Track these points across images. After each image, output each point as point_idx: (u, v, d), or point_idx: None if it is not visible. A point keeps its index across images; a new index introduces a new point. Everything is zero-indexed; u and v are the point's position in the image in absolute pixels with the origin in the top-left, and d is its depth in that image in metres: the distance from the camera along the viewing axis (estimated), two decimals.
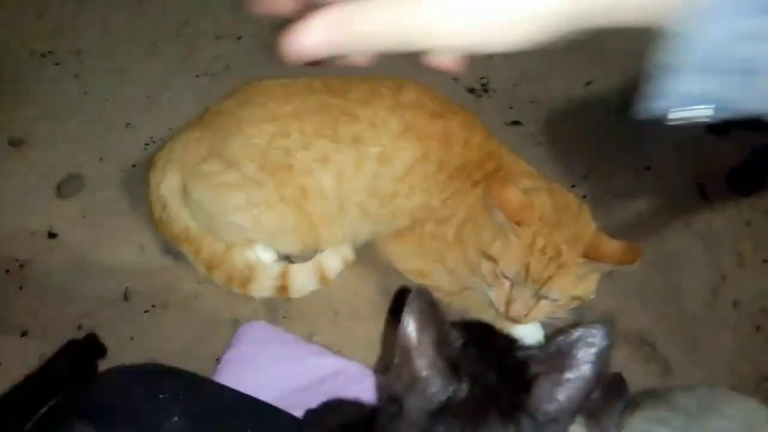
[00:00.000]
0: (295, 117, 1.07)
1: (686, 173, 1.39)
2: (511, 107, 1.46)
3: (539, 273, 0.95)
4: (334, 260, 1.17)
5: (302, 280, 1.15)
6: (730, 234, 1.32)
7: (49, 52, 1.44)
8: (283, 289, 1.14)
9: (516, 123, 1.44)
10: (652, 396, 1.00)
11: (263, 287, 1.13)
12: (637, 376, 1.15)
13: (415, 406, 0.58)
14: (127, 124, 1.34)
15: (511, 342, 0.64)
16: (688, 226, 1.33)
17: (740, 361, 1.20)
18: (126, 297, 1.14)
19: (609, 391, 0.87)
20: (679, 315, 1.23)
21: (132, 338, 1.10)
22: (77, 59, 1.43)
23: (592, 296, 1.01)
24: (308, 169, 1.06)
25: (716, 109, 0.33)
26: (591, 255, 0.95)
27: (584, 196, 1.34)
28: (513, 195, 0.95)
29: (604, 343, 0.56)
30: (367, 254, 1.19)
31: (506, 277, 0.99)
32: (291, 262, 1.18)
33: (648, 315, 1.22)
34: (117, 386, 0.71)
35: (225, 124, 1.09)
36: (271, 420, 0.80)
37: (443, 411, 0.57)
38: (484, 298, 1.08)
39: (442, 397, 0.57)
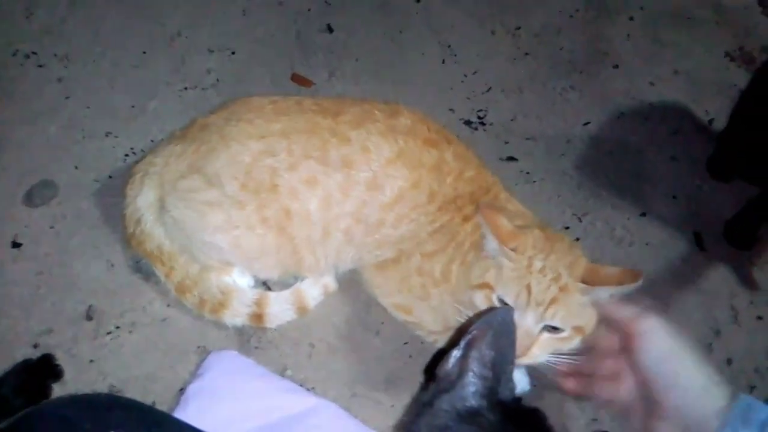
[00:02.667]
0: (283, 136, 1.02)
1: (683, 221, 1.35)
2: (506, 142, 1.42)
3: (542, 294, 0.89)
4: (314, 289, 1.12)
5: (279, 308, 1.09)
6: (726, 287, 1.28)
7: (33, 53, 1.39)
8: (257, 317, 1.08)
9: (511, 159, 1.41)
10: None
11: (237, 314, 1.07)
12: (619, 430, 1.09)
13: (444, 405, 0.61)
14: (108, 133, 1.28)
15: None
16: (682, 277, 1.30)
17: None
18: (89, 316, 1.07)
19: None
20: None
21: (91, 361, 1.03)
22: (62, 63, 1.38)
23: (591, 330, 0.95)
24: (294, 191, 1.01)
25: None
26: (590, 280, 0.90)
27: (577, 239, 1.30)
28: (503, 222, 0.91)
29: None
30: (349, 284, 1.13)
31: (505, 304, 0.93)
32: (268, 288, 1.12)
33: None
34: (62, 418, 0.64)
35: (209, 139, 1.04)
36: None
37: (469, 418, 0.55)
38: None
39: (473, 405, 0.60)
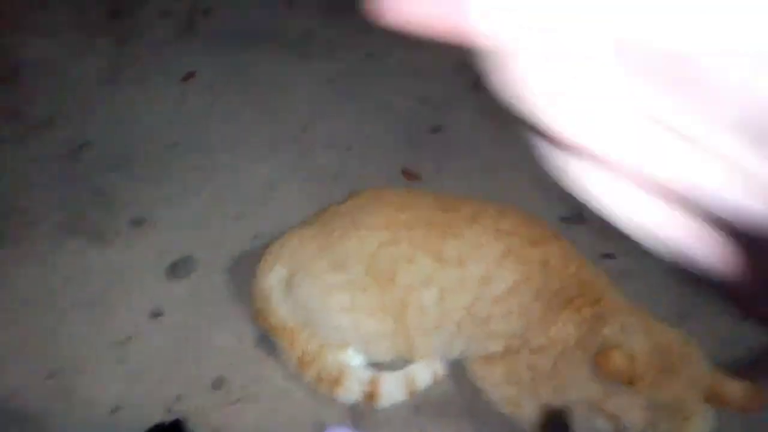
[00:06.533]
0: (406, 227, 1.11)
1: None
2: (605, 239, 1.45)
3: (666, 429, 0.92)
4: (424, 373, 1.16)
5: (391, 388, 1.14)
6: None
7: (176, 143, 1.57)
8: (370, 395, 1.13)
9: (608, 256, 1.43)
10: None
11: (352, 391, 1.13)
12: None
13: None
14: (242, 216, 1.42)
15: None
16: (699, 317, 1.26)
17: None
18: (217, 385, 1.16)
19: None
20: None
21: (217, 429, 1.10)
22: (201, 152, 1.55)
23: None
24: (411, 286, 1.09)
25: None
26: (714, 400, 0.92)
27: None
28: (619, 362, 0.93)
29: None
30: (457, 371, 1.17)
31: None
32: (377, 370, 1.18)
33: None
34: None
35: (340, 225, 1.15)
36: None
37: None
38: None
39: None
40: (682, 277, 1.38)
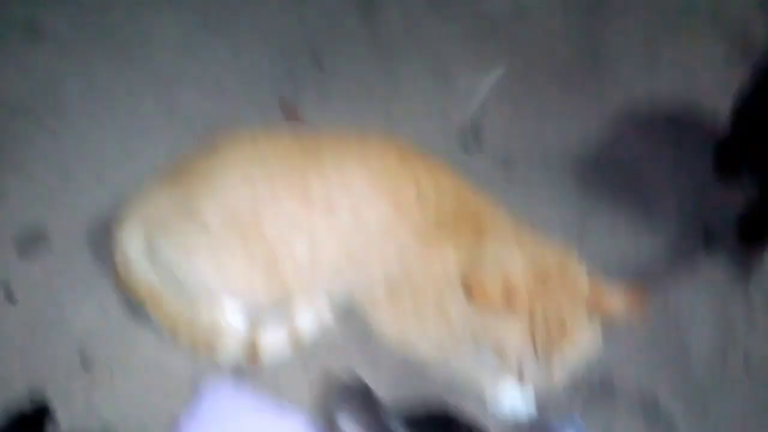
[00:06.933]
0: (266, 172, 1.02)
1: (691, 221, 1.30)
2: (503, 157, 1.39)
3: (546, 347, 0.90)
4: (308, 323, 1.10)
5: (273, 344, 1.07)
6: (740, 286, 1.22)
7: (27, 107, 1.41)
8: (252, 354, 1.06)
9: (507, 171, 1.37)
10: None
11: (231, 352, 1.06)
12: None
13: None
14: (100, 179, 1.29)
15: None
16: (694, 278, 1.24)
17: (751, 421, 1.09)
18: (85, 364, 1.07)
19: None
20: (686, 373, 1.13)
21: (87, 403, 1.02)
22: (52, 114, 1.40)
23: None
24: (278, 236, 1.00)
25: None
26: (594, 309, 0.91)
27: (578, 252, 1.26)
28: (491, 289, 0.89)
29: None
30: (347, 317, 1.11)
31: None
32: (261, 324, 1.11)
33: (651, 375, 1.12)
34: None
35: (194, 180, 1.04)
36: None
37: None
38: (473, 366, 1.03)
39: None
40: None
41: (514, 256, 0.94)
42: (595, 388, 1.09)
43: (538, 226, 1.05)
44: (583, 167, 1.39)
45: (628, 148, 1.40)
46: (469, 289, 0.89)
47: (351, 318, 1.10)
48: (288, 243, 1.00)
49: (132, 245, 1.08)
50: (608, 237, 1.27)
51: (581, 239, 1.26)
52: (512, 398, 1.03)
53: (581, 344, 0.92)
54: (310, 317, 1.09)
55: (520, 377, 0.94)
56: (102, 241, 1.16)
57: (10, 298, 1.14)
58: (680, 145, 1.40)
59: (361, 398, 0.50)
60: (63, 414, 1.01)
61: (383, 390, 1.07)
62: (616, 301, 0.91)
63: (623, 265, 1.22)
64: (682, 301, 1.20)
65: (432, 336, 1.03)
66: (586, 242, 1.25)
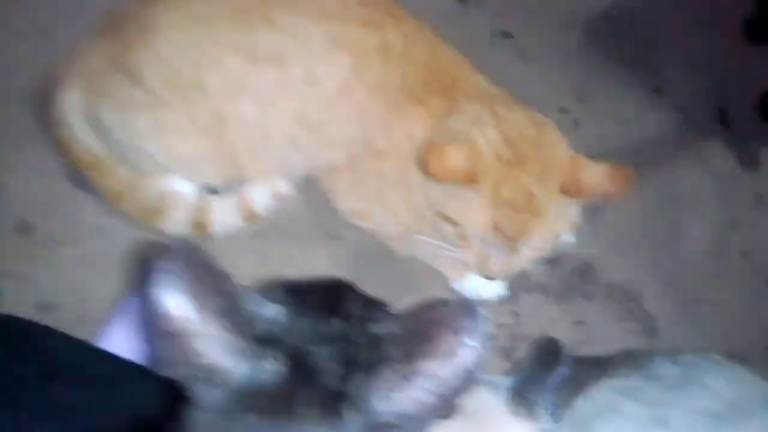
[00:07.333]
0: (206, 22, 0.88)
1: (705, 97, 1.15)
2: (502, 16, 1.22)
3: (512, 229, 0.80)
4: (262, 194, 1.00)
5: (224, 215, 0.99)
6: (748, 172, 1.09)
7: None
8: (201, 224, 0.98)
9: (506, 35, 1.22)
10: (626, 362, 0.84)
11: (178, 221, 0.97)
12: (615, 336, 0.98)
13: (206, 397, 0.42)
14: (47, 32, 1.16)
15: (368, 310, 0.47)
16: (700, 161, 1.12)
17: (745, 322, 1.01)
18: (21, 229, 1.00)
19: (540, 359, 0.71)
20: (676, 265, 1.04)
21: (24, 276, 0.96)
22: None
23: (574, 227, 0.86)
24: (222, 95, 0.88)
25: None
26: (570, 190, 0.80)
27: (575, 121, 1.13)
28: (453, 159, 0.78)
29: (474, 330, 0.39)
30: (306, 189, 1.02)
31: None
32: (216, 193, 1.02)
33: (638, 265, 1.03)
34: None
35: (129, 32, 0.91)
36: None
37: (244, 402, 0.41)
38: (437, 247, 0.92)
39: (242, 384, 0.41)
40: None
41: (485, 125, 0.83)
42: (575, 274, 1.01)
43: (526, 93, 0.93)
44: (592, 25, 1.23)
45: (644, 6, 1.23)
46: (428, 158, 0.78)
47: (310, 190, 1.01)
48: (233, 102, 0.88)
49: (72, 107, 0.96)
50: (611, 105, 1.13)
51: (581, 102, 1.12)
52: (478, 281, 0.96)
53: (553, 226, 0.82)
54: (265, 189, 1.00)
55: (482, 265, 0.85)
56: (42, 102, 1.05)
57: None
58: (700, 10, 1.22)
59: (189, 259, 0.41)
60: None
61: (343, 268, 1.01)
62: (597, 181, 0.80)
63: (623, 142, 1.10)
64: (685, 186, 1.09)
65: (394, 212, 0.94)
66: (586, 107, 1.12)
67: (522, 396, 0.67)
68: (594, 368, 0.81)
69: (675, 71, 1.17)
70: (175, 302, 0.40)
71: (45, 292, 0.95)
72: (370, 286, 0.54)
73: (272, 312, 0.44)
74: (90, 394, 0.63)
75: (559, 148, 0.83)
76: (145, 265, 0.42)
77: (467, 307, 0.41)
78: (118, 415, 0.63)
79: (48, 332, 0.68)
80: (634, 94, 1.16)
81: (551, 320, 0.97)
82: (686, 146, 1.13)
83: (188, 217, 0.98)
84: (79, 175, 0.99)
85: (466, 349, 0.40)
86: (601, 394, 0.79)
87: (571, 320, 0.98)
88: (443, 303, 0.43)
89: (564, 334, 0.95)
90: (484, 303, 0.96)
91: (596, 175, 0.80)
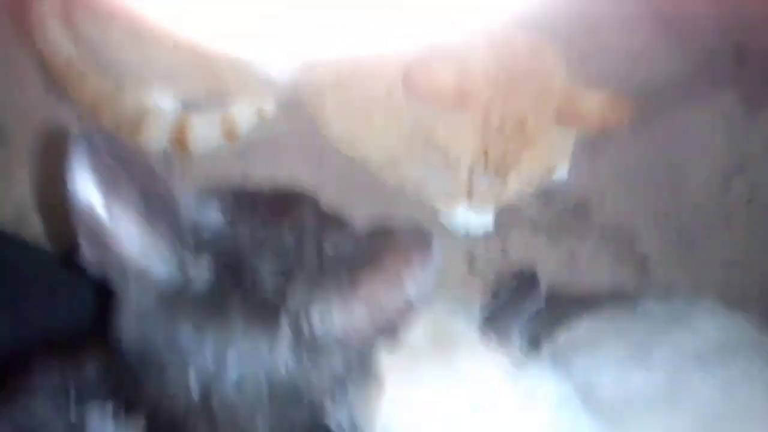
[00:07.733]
0: None
1: (721, 32, 1.08)
2: None
3: (502, 157, 0.77)
4: (246, 111, 0.96)
5: (204, 130, 0.95)
6: (760, 113, 1.03)
7: None
8: (180, 140, 0.94)
9: None
10: (613, 300, 0.81)
11: (156, 137, 0.94)
12: (606, 277, 0.94)
13: (133, 300, 0.39)
14: None
15: (323, 225, 0.44)
16: (710, 101, 1.05)
17: (744, 270, 0.97)
18: None
19: (516, 289, 0.68)
20: (675, 207, 0.99)
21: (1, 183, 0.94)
22: None
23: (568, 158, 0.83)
24: None
25: None
26: (565, 119, 0.77)
27: (580, 51, 1.06)
28: (440, 78, 0.74)
29: (426, 263, 0.36)
30: (292, 112, 0.97)
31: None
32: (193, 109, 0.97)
33: (635, 205, 0.99)
34: None
35: None
36: None
37: (173, 306, 0.38)
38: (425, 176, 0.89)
39: (170, 288, 0.38)
40: None
41: (477, 47, 0.78)
42: (568, 212, 0.97)
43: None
44: None
45: None
46: (415, 79, 0.74)
47: (295, 111, 0.96)
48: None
49: (50, 15, 0.92)
50: (613, 38, 1.06)
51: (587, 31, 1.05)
52: (466, 214, 0.92)
53: (545, 156, 0.78)
54: (247, 106, 0.96)
55: (469, 193, 0.81)
56: (19, 7, 1.00)
57: None
58: None
59: (108, 150, 0.37)
60: None
61: (327, 195, 0.97)
62: (596, 110, 0.77)
63: (629, 73, 1.03)
64: (692, 124, 1.03)
65: (381, 136, 0.90)
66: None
67: (494, 325, 0.65)
68: (578, 304, 0.78)
69: (693, 1, 1.09)
70: (84, 186, 0.37)
71: (20, 208, 0.92)
72: (355, 214, 0.52)
73: (211, 217, 0.41)
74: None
75: (554, 72, 0.78)
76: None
77: (424, 239, 0.39)
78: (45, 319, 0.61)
79: None
80: (641, 23, 1.09)
81: (540, 258, 0.93)
82: (696, 84, 1.07)
83: (167, 132, 0.94)
84: (58, 84, 0.96)
85: (414, 282, 0.38)
86: (584, 329, 0.77)
87: (561, 259, 0.94)
88: (401, 230, 0.41)
89: (552, 272, 0.92)
90: (471, 236, 0.92)
91: (595, 104, 0.76)
